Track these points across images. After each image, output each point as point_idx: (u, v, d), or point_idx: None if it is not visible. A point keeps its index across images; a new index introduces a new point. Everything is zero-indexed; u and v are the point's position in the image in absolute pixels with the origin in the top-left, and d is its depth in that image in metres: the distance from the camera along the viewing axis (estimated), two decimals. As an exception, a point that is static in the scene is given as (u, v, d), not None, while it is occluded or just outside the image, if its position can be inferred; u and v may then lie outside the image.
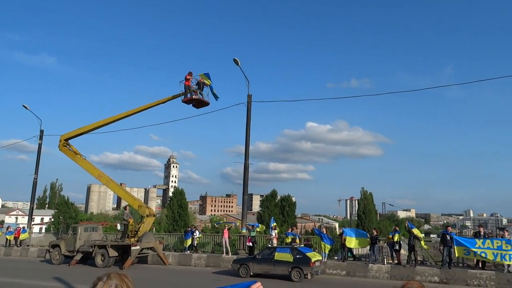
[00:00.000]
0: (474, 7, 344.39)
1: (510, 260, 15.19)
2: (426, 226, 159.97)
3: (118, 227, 23.88)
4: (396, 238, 18.04)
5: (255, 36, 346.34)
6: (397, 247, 18.04)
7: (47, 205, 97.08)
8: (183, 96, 23.15)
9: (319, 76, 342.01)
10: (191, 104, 23.76)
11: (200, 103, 23.65)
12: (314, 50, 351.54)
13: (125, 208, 27.84)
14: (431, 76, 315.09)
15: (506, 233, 17.04)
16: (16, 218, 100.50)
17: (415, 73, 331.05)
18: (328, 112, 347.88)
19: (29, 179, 35.44)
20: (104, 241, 22.95)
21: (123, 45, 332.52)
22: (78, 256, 22.59)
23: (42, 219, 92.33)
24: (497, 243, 15.67)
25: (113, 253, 21.41)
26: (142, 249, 21.72)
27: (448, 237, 16.55)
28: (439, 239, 17.86)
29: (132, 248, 20.80)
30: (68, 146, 25.93)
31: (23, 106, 34.76)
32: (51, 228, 56.16)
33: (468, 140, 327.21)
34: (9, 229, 33.13)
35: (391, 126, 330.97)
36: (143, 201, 28.13)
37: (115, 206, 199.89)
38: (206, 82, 22.94)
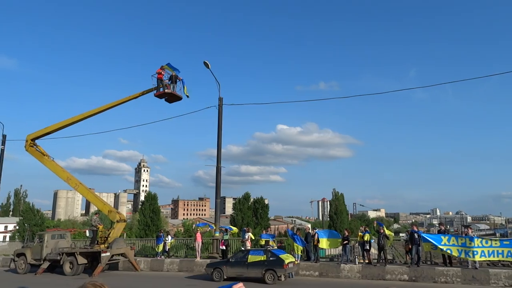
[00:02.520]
0: (436, 12, 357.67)
1: (474, 257, 15.87)
2: (396, 225, 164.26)
3: (87, 233, 23.24)
4: (366, 237, 18.45)
5: (223, 42, 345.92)
6: (367, 247, 18.46)
7: (11, 213, 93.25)
8: (155, 91, 22.87)
9: (287, 79, 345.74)
10: (164, 99, 23.49)
11: (173, 97, 23.40)
12: (282, 54, 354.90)
13: (95, 213, 27.16)
14: (396, 79, 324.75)
15: (470, 231, 17.82)
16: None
17: (382, 77, 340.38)
18: (298, 114, 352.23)
19: (-9, 186, 33.93)
20: (73, 248, 22.26)
21: (90, 50, 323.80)
22: (46, 265, 21.83)
23: (6, 227, 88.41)
24: (462, 240, 16.36)
25: (82, 260, 20.81)
26: (113, 255, 21.25)
27: (416, 236, 17.10)
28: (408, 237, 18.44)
29: (102, 254, 20.31)
30: (35, 147, 25.08)
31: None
32: (16, 236, 53.84)
33: (434, 141, 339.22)
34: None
35: (359, 128, 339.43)
36: (113, 207, 27.48)
37: (84, 212, 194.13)
38: (171, 71, 22.67)
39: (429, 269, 16.36)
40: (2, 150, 34.26)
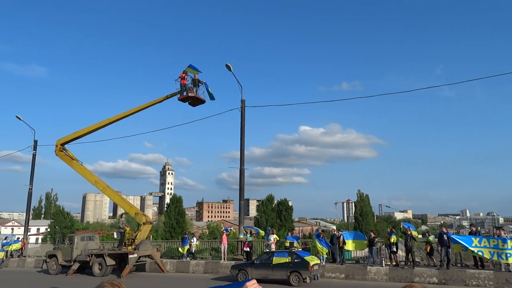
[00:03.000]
0: (461, 9, 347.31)
1: (507, 259, 15.28)
2: (423, 227, 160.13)
3: (115, 235, 23.75)
4: (393, 239, 18.09)
5: (244, 44, 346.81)
6: (394, 249, 18.10)
7: (42, 215, 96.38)
8: (179, 95, 23.16)
9: (310, 80, 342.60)
10: (187, 103, 23.74)
11: (196, 101, 23.62)
12: (304, 55, 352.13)
13: (121, 216, 27.72)
14: (421, 78, 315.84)
15: (503, 232, 17.16)
16: (12, 229, 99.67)
17: (406, 76, 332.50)
18: (320, 115, 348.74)
19: (24, 190, 35.31)
20: (101, 250, 22.79)
21: (114, 57, 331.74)
22: (76, 266, 22.43)
23: (38, 229, 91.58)
24: (494, 242, 15.77)
25: (110, 261, 21.26)
26: (140, 257, 21.61)
27: (445, 237, 16.63)
28: (436, 239, 17.97)
29: (130, 256, 20.69)
30: (64, 151, 25.82)
31: (16, 117, 34.58)
32: (48, 238, 55.69)
33: (462, 140, 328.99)
34: (6, 240, 32.95)
35: (384, 128, 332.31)
36: (139, 209, 27.99)
37: (111, 214, 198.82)
38: (194, 73, 22.81)
39: (460, 272, 15.88)
40: (34, 155, 35.52)
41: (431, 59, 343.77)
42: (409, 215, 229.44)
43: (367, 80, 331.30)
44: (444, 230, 17.66)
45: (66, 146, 26.25)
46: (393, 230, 19.23)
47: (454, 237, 16.98)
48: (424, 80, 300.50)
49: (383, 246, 19.86)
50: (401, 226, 19.31)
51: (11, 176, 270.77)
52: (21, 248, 31.83)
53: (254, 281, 1.95)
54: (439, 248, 17.04)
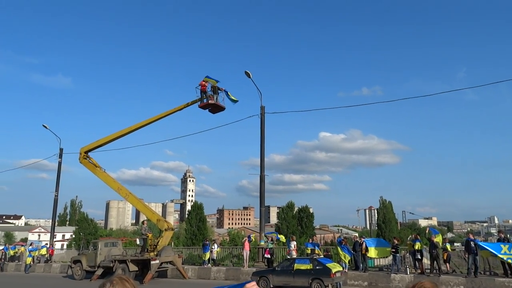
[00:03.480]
0: (482, 10, 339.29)
1: (539, 267, 14.69)
2: (449, 234, 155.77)
3: (138, 241, 24.05)
4: (417, 246, 17.65)
5: (263, 50, 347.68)
6: (418, 256, 17.65)
7: (67, 222, 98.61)
8: (199, 102, 23.41)
9: (329, 86, 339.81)
10: (208, 110, 23.97)
11: (216, 108, 23.85)
12: (323, 60, 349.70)
13: (143, 222, 28.05)
14: (444, 81, 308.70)
15: (533, 239, 16.51)
16: (39, 235, 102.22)
17: (427, 80, 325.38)
18: (340, 121, 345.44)
19: (50, 197, 36.28)
20: (124, 256, 23.13)
21: (136, 65, 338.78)
22: (99, 271, 22.79)
23: (63, 235, 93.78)
24: (524, 249, 15.20)
25: (133, 267, 21.53)
26: (162, 263, 21.78)
27: (473, 244, 16.13)
28: (463, 247, 17.42)
29: (152, 262, 20.88)
30: (88, 159, 26.39)
31: (43, 125, 35.66)
32: (72, 244, 56.90)
33: (488, 144, 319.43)
34: (32, 246, 33.90)
35: (406, 133, 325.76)
36: (161, 216, 28.27)
37: (134, 221, 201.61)
38: (212, 82, 23.07)
39: (488, 280, 15.35)
40: (60, 163, 36.48)
41: (454, 62, 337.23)
42: (434, 222, 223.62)
43: (387, 85, 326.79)
44: (471, 237, 17.13)
45: (90, 154, 26.85)
46: (418, 236, 18.75)
47: (481, 244, 16.45)
48: (447, 84, 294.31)
49: (407, 254, 19.39)
50: (427, 231, 18.79)
51: (38, 183, 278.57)
52: (49, 254, 32.70)
53: (254, 282, 1.98)
54: (466, 255, 16.53)
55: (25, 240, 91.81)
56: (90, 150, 26.73)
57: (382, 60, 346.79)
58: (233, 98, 23.51)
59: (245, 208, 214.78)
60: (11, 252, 35.72)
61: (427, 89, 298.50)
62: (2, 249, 34.54)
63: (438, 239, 17.77)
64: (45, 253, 32.75)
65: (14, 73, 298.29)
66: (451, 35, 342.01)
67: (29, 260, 30.33)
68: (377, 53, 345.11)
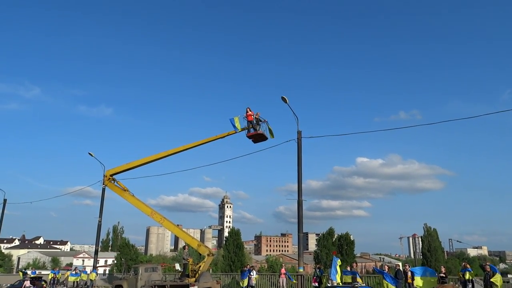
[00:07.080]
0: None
1: None
2: (502, 265, 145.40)
3: (177, 267, 24.25)
4: (467, 276, 16.61)
5: (297, 76, 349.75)
6: (470, 287, 16.58)
7: (110, 247, 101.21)
8: (247, 131, 23.76)
9: (365, 110, 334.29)
10: (251, 139, 24.32)
11: (259, 138, 24.24)
12: (358, 85, 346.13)
13: (184, 247, 28.25)
14: (486, 104, 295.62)
15: None
16: (83, 260, 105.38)
17: (469, 102, 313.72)
18: (378, 147, 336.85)
19: (94, 223, 37.31)
20: (164, 282, 23.33)
21: (174, 91, 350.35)
22: (140, 296, 23.06)
23: (106, 261, 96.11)
24: None
25: (172, 292, 21.62)
26: (200, 289, 21.73)
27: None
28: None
29: (191, 287, 20.91)
30: (114, 182, 26.68)
31: (89, 153, 37.25)
32: (114, 269, 58.16)
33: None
34: (76, 271, 35.10)
35: (449, 157, 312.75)
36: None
37: (173, 247, 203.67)
38: (255, 115, 23.58)
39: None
40: (103, 189, 37.72)
41: (497, 83, 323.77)
42: (484, 251, 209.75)
43: (426, 108, 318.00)
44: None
45: (123, 179, 26.93)
46: (467, 265, 17.66)
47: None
48: (491, 106, 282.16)
49: (457, 285, 18.27)
50: (487, 267, 16.76)
51: (82, 210, 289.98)
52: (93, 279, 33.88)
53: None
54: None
55: (70, 265, 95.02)
56: (116, 173, 26.83)
57: (420, 83, 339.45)
58: (271, 133, 23.97)
59: (283, 235, 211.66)
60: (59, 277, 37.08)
61: (469, 112, 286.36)
62: (54, 273, 35.88)
63: (496, 278, 16.05)
64: (94, 278, 33.90)
65: (62, 106, 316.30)
66: (492, 55, 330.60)
67: (72, 279, 31.74)
68: (415, 75, 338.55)
